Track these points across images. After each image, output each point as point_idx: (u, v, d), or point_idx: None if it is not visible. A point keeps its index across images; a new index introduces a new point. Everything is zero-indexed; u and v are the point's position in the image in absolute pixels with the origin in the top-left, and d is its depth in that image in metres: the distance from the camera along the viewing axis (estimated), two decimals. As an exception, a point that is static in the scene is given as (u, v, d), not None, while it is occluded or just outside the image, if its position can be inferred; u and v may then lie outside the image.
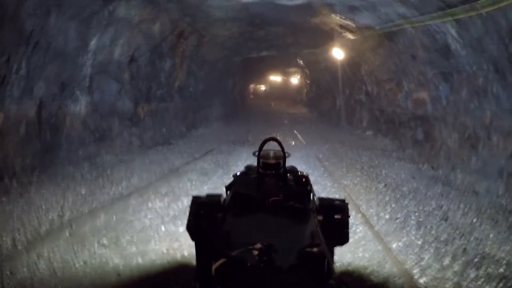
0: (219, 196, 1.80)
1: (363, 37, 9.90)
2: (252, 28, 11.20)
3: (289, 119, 18.58)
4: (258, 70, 25.38)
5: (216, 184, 6.05)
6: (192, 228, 1.67)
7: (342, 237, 1.70)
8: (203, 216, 1.67)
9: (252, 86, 39.99)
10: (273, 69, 27.27)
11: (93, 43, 6.69)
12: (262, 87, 44.29)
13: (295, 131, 13.07)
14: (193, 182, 6.14)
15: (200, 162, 7.73)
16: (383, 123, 10.98)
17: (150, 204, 4.97)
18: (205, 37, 11.36)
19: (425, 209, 4.88)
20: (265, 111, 24.63)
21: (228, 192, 1.84)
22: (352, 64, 12.63)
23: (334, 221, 1.67)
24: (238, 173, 2.02)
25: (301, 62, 18.83)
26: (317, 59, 17.68)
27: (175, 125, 10.81)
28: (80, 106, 6.84)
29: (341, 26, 9.74)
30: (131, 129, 9.19)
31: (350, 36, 9.77)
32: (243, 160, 7.76)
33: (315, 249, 1.19)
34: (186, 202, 4.96)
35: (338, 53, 10.57)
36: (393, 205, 5.05)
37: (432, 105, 8.10)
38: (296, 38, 12.79)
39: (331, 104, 17.68)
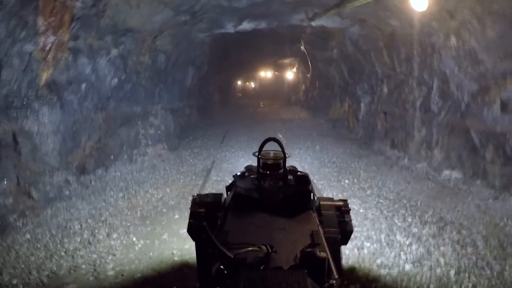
0: (220, 195, 1.75)
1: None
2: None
3: (284, 130, 12.42)
4: (244, 60, 19.54)
5: None
6: (193, 228, 1.59)
7: (345, 236, 1.62)
8: (204, 216, 1.60)
9: (240, 82, 34.10)
10: (262, 59, 21.32)
11: None
12: (252, 84, 38.93)
13: (296, 162, 7.13)
14: None
15: None
16: (496, 162, 5.13)
17: None
18: (114, -24, 5.36)
19: None
20: (251, 115, 18.58)
21: (229, 192, 1.81)
22: (408, 39, 6.74)
23: (335, 220, 1.62)
24: (238, 173, 1.93)
25: (302, 47, 12.96)
26: (328, 40, 11.72)
27: (40, 170, 4.75)
28: None
29: None
30: None
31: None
32: None
33: (315, 249, 1.16)
34: None
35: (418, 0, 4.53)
36: None
37: None
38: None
39: (350, 108, 11.81)
